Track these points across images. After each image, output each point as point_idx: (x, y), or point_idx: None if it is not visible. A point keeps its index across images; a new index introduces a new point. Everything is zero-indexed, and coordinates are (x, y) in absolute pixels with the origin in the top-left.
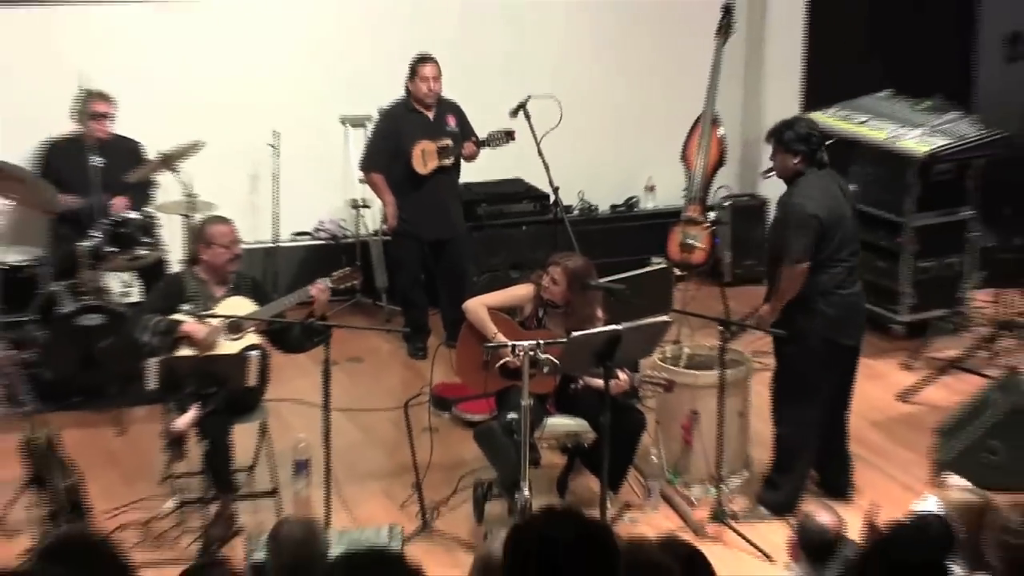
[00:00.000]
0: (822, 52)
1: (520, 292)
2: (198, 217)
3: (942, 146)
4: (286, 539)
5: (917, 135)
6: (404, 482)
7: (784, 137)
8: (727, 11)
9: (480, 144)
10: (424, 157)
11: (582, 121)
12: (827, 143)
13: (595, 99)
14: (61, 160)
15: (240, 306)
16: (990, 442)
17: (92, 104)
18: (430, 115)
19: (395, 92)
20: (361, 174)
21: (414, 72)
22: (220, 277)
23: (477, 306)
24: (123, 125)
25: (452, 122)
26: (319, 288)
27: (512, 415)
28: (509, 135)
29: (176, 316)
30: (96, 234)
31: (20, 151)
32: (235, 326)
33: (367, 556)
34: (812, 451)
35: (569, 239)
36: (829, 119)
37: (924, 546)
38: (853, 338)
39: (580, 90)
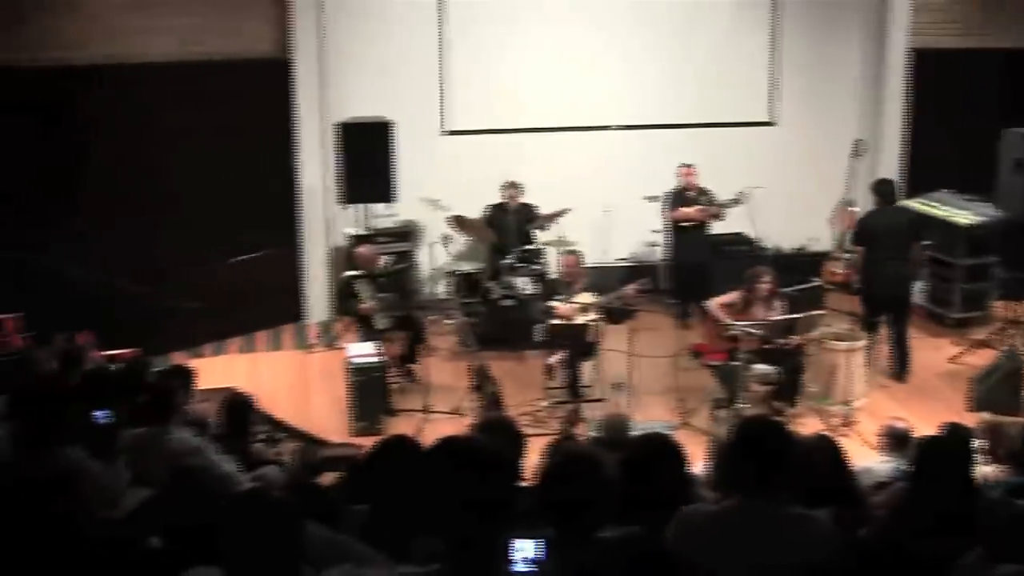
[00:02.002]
0: (915, 165)
1: (735, 295)
2: (564, 250)
3: (978, 220)
4: (609, 424)
5: (965, 214)
6: (673, 397)
7: (871, 189)
8: (858, 142)
9: (722, 206)
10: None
11: (777, 200)
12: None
13: (783, 189)
14: (495, 215)
15: (587, 298)
16: (999, 387)
17: (509, 188)
18: (691, 195)
19: (672, 183)
20: (662, 222)
21: (681, 168)
22: (577, 281)
23: (713, 304)
24: (530, 197)
25: (704, 200)
26: (632, 287)
27: (736, 363)
28: (735, 201)
29: (551, 303)
30: (511, 256)
31: (474, 210)
32: (584, 308)
33: (654, 435)
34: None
35: (767, 267)
36: (917, 203)
37: (958, 439)
38: (885, 293)
39: (777, 183)
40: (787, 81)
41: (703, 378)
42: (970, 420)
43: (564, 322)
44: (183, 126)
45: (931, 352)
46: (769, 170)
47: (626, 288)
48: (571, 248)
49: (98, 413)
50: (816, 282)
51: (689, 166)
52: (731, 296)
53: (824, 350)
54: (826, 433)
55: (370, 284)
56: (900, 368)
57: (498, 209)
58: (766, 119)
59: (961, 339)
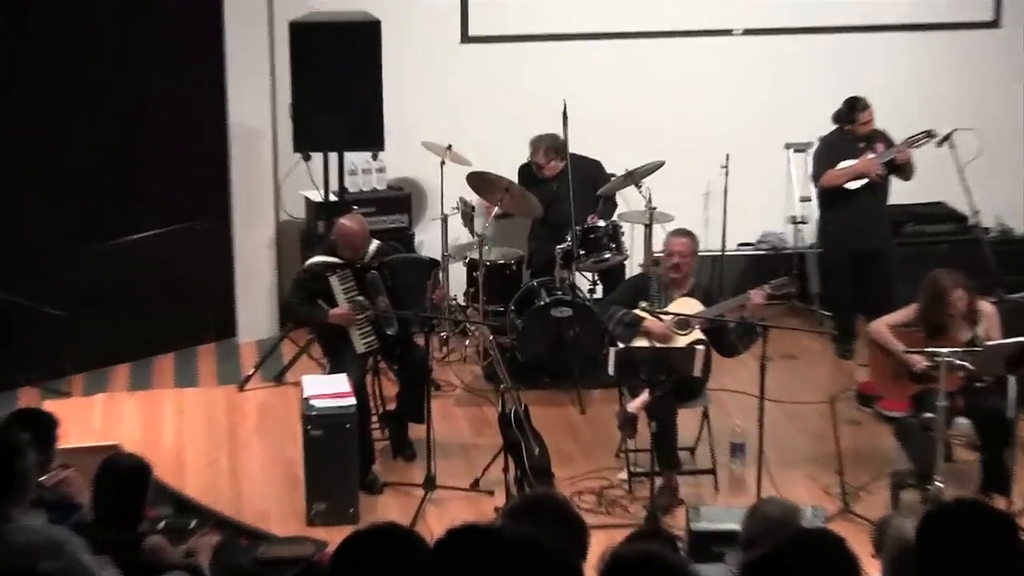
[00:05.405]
0: None
1: (909, 311)
2: (659, 227)
3: None
4: (765, 514)
5: None
6: (827, 468)
7: None
8: None
9: (910, 144)
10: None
11: (1002, 153)
12: None
13: (1013, 131)
14: (529, 181)
15: (689, 306)
16: None
17: (537, 149)
18: (860, 144)
19: (830, 124)
20: (813, 189)
21: (852, 112)
22: (681, 280)
23: (879, 327)
24: (593, 148)
25: (880, 148)
26: (756, 295)
27: (929, 414)
28: (927, 133)
29: (638, 311)
30: (569, 240)
31: (508, 165)
32: (683, 323)
33: (809, 531)
34: None
35: (986, 258)
36: None
37: None
38: None
39: (1004, 124)
40: None
41: (877, 437)
42: None
43: (654, 345)
44: (58, 31)
45: None
46: (990, 101)
47: (752, 292)
48: (675, 229)
49: None
50: None
51: (863, 107)
52: (906, 313)
53: None
54: None
55: (349, 279)
56: None
57: (531, 171)
58: (988, 18)
59: None
